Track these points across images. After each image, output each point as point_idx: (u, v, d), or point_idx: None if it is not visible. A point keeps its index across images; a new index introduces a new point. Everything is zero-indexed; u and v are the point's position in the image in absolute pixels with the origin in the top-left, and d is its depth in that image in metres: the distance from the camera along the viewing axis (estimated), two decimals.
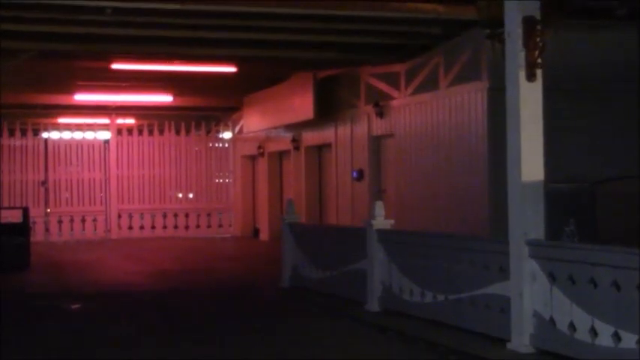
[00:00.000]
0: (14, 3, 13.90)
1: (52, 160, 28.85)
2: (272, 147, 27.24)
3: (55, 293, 15.27)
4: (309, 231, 15.91)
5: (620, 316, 7.76)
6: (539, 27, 9.01)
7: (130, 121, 30.06)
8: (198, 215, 29.90)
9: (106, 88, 25.17)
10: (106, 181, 29.28)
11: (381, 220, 12.22)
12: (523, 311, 8.93)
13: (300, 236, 15.14)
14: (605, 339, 7.94)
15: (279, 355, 9.84)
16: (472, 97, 16.29)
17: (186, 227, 29.71)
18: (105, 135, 29.66)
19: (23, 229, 19.44)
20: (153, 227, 29.43)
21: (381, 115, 19.70)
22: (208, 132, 30.86)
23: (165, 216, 29.54)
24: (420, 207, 17.95)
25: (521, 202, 9.07)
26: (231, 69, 20.99)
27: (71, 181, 29.09)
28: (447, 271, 10.53)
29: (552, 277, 8.66)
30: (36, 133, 29.16)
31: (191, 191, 30.22)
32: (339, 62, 20.41)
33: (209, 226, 29.95)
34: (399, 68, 18.98)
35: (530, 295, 8.90)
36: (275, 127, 25.94)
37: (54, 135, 29.34)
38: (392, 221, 12.36)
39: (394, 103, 19.24)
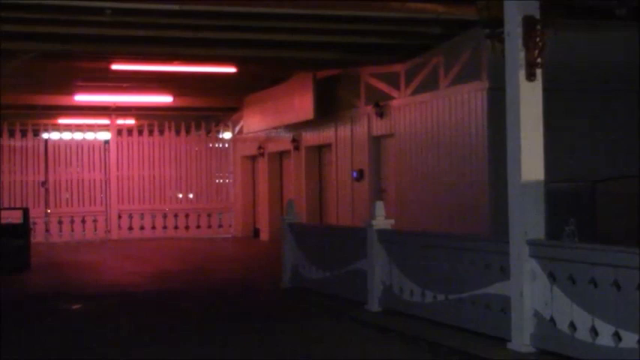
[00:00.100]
0: (14, 4, 13.90)
1: (52, 160, 28.84)
2: (272, 147, 27.23)
3: (56, 294, 15.28)
4: (310, 231, 15.90)
5: (621, 316, 7.75)
6: (538, 27, 9.00)
7: (130, 121, 30.07)
8: (199, 216, 29.90)
9: (106, 88, 25.18)
10: (106, 181, 29.28)
11: (382, 220, 12.21)
12: (523, 311, 8.93)
13: (301, 236, 15.14)
14: (605, 338, 7.94)
15: (280, 356, 9.84)
16: (472, 97, 16.29)
17: (187, 228, 29.70)
18: (105, 135, 29.67)
19: (23, 229, 19.42)
20: (153, 228, 29.43)
21: (381, 115, 19.70)
22: (208, 132, 30.85)
23: (165, 216, 29.54)
24: (421, 207, 17.95)
25: (521, 201, 9.06)
26: (231, 69, 21.00)
27: (71, 181, 29.08)
28: (448, 270, 10.53)
29: (553, 277, 8.66)
30: (36, 133, 29.17)
31: (191, 192, 30.23)
32: (339, 62, 20.41)
33: (209, 227, 29.94)
34: (399, 68, 18.97)
35: (531, 294, 8.90)
36: (275, 128, 25.94)
37: (54, 135, 29.36)
38: (392, 221, 12.36)
39: (394, 103, 19.23)
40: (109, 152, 29.39)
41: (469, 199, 16.29)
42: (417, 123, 18.29)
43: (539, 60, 9.02)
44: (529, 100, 9.11)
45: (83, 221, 28.89)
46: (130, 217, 29.31)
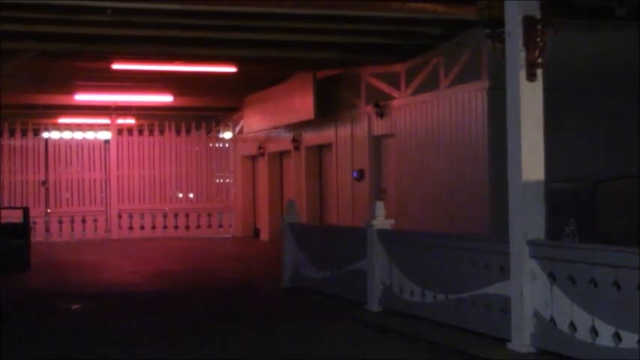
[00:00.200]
0: (14, 3, 13.90)
1: (52, 160, 28.85)
2: (272, 147, 27.23)
3: (56, 293, 15.28)
4: (310, 231, 15.90)
5: (621, 316, 7.75)
6: (539, 27, 9.00)
7: (131, 121, 30.07)
8: (199, 215, 29.90)
9: (107, 88, 25.18)
10: (106, 181, 29.28)
11: (382, 220, 12.21)
12: (523, 311, 8.93)
13: (301, 236, 15.14)
14: (605, 339, 7.93)
15: (280, 356, 9.84)
16: (472, 97, 16.29)
17: (187, 227, 29.71)
18: (105, 135, 29.67)
19: (23, 229, 19.42)
20: (153, 227, 29.43)
21: (381, 115, 19.70)
22: (209, 132, 30.86)
23: (165, 216, 29.55)
24: (421, 207, 17.95)
25: (521, 201, 9.06)
26: (231, 69, 21.00)
27: (71, 181, 29.09)
28: (448, 270, 10.53)
29: (553, 277, 8.66)
30: (36, 133, 29.17)
31: (191, 191, 30.23)
32: (339, 62, 20.41)
33: (209, 227, 29.95)
34: (400, 68, 18.97)
35: (531, 294, 8.90)
36: (275, 128, 25.94)
37: (54, 135, 29.36)
38: (392, 221, 12.36)
39: (394, 103, 19.23)
40: (109, 152, 29.39)
41: (469, 199, 16.29)
42: (417, 123, 18.29)
43: (539, 60, 9.02)
44: (529, 100, 9.10)
45: (83, 221, 28.90)
46: (130, 216, 29.32)
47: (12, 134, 28.62)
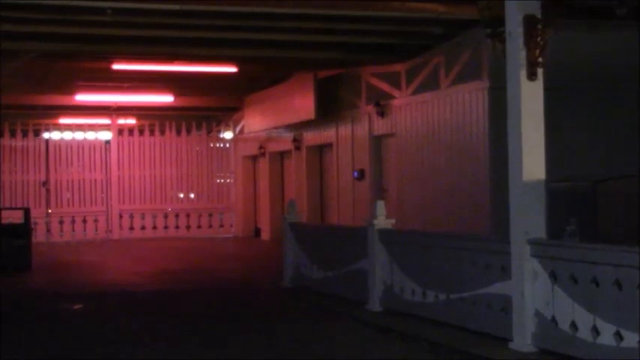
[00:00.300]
0: (15, 4, 13.90)
1: (53, 160, 28.85)
2: (273, 147, 27.24)
3: (57, 294, 15.28)
4: (311, 231, 15.90)
5: (622, 315, 7.75)
6: (540, 26, 9.00)
7: (131, 121, 30.06)
8: (200, 215, 29.90)
9: (107, 88, 25.17)
10: (107, 181, 29.28)
11: (383, 220, 12.21)
12: (525, 310, 8.93)
13: (302, 236, 15.13)
14: (606, 338, 7.93)
15: (280, 355, 9.84)
16: (473, 97, 16.29)
17: (188, 227, 29.71)
18: (106, 135, 29.67)
19: (24, 229, 19.41)
20: (154, 227, 29.44)
21: (382, 114, 19.70)
22: (209, 132, 30.86)
23: (166, 216, 29.55)
24: (421, 206, 17.95)
25: (522, 201, 9.06)
26: (231, 69, 21.00)
27: (72, 181, 29.09)
28: (449, 270, 10.53)
29: (554, 277, 8.66)
30: (37, 133, 29.16)
31: (192, 191, 30.23)
32: (340, 62, 20.41)
33: (210, 227, 29.94)
34: (400, 68, 18.98)
35: (532, 294, 8.89)
36: (276, 127, 25.94)
37: (55, 135, 29.34)
38: (393, 221, 12.35)
39: (395, 102, 19.24)
40: (109, 152, 29.39)
41: (470, 199, 16.29)
42: (417, 122, 18.29)
43: (540, 59, 9.02)
44: (530, 100, 9.10)
45: (84, 221, 28.90)
46: (131, 217, 29.32)
47: (13, 135, 28.62)
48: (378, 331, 11.00)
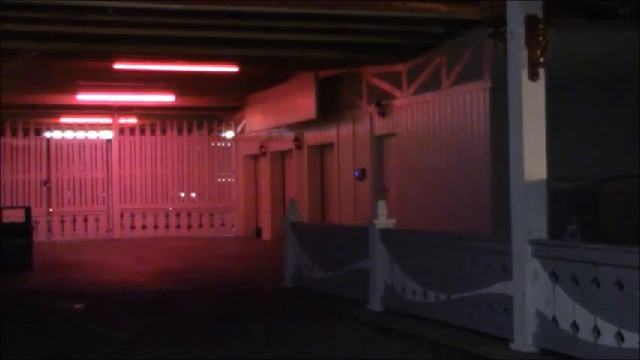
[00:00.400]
0: (16, 3, 13.90)
1: (54, 159, 28.85)
2: (274, 147, 27.23)
3: (58, 293, 15.28)
4: (312, 230, 15.90)
5: (623, 316, 7.75)
6: (541, 26, 9.00)
7: (133, 120, 30.07)
8: (201, 215, 29.90)
9: (109, 87, 25.18)
10: (108, 180, 29.28)
11: (384, 220, 12.21)
12: (526, 310, 8.93)
13: (303, 236, 15.13)
14: (607, 338, 7.93)
15: (281, 355, 9.83)
16: (474, 97, 16.28)
17: (189, 227, 29.71)
18: (107, 135, 29.68)
19: (26, 229, 19.41)
20: (155, 227, 29.44)
21: (383, 114, 19.70)
22: (210, 132, 30.86)
23: (167, 216, 29.56)
24: (423, 206, 17.95)
25: (523, 201, 9.06)
26: (233, 69, 20.99)
27: (73, 180, 29.09)
28: (450, 270, 10.53)
29: (555, 277, 8.65)
30: (38, 132, 29.16)
31: (193, 191, 30.24)
32: (341, 62, 20.41)
33: (211, 226, 29.94)
34: (401, 68, 18.97)
35: (533, 294, 8.89)
36: (277, 127, 25.94)
37: (56, 135, 29.35)
38: (394, 220, 12.35)
39: (396, 102, 19.23)
40: (111, 151, 29.39)
41: (471, 199, 16.29)
42: (419, 122, 18.29)
43: (541, 59, 9.01)
44: (531, 100, 9.10)
45: (85, 220, 28.91)
46: (132, 216, 29.32)
47: (14, 134, 28.63)
48: (378, 331, 11.00)
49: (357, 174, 21.14)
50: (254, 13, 14.92)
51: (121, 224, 29.20)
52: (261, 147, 27.85)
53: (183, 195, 30.10)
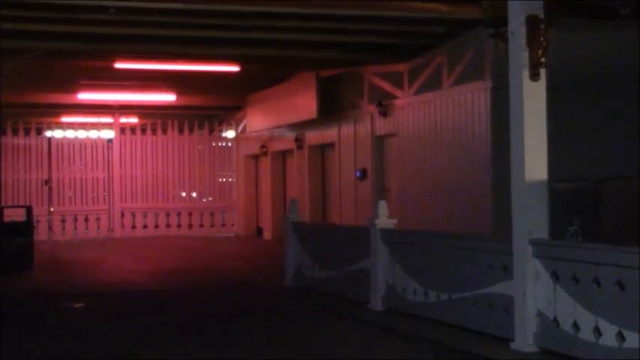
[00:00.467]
0: (16, 2, 13.90)
1: (55, 159, 28.86)
2: (275, 146, 27.24)
3: (59, 292, 15.28)
4: (313, 230, 15.90)
5: (624, 316, 7.74)
6: (542, 26, 8.99)
7: (133, 120, 30.08)
8: (202, 214, 29.91)
9: (110, 87, 25.20)
10: (109, 180, 29.29)
11: (385, 220, 12.20)
12: (527, 311, 8.92)
13: (304, 235, 15.13)
14: (609, 338, 7.92)
15: (281, 355, 9.82)
16: (475, 97, 16.28)
17: (190, 226, 29.72)
18: (108, 134, 29.67)
19: (26, 228, 19.43)
20: (156, 226, 29.46)
21: (384, 114, 19.69)
22: (211, 131, 30.86)
23: (168, 215, 29.57)
24: (424, 206, 17.95)
25: (524, 201, 9.05)
26: (234, 68, 21.01)
27: (74, 180, 29.11)
28: (451, 270, 10.52)
29: (556, 277, 8.65)
30: (39, 132, 29.16)
31: (194, 190, 30.25)
32: (342, 62, 20.41)
33: (212, 225, 29.95)
34: (402, 67, 18.97)
35: (534, 294, 8.89)
36: (278, 127, 25.94)
37: (57, 134, 29.35)
38: (395, 220, 12.35)
39: (397, 102, 19.23)
40: (112, 151, 29.40)
41: (472, 199, 16.28)
42: (420, 122, 18.28)
43: (542, 59, 9.01)
44: (532, 100, 9.09)
45: (86, 220, 28.92)
46: (133, 215, 29.34)
47: (15, 133, 28.65)
48: (379, 331, 11.00)
49: (358, 174, 21.14)
50: (255, 12, 14.92)
51: (122, 223, 29.22)
52: (262, 147, 27.85)
53: (184, 194, 30.10)
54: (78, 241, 27.49)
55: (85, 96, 26.15)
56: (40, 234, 26.73)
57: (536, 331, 8.89)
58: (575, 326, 8.35)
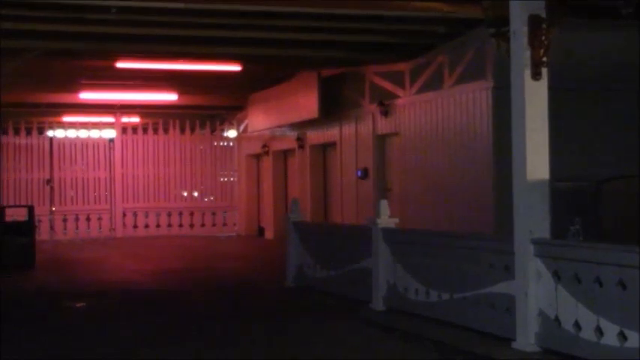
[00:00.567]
0: (17, 2, 13.91)
1: (57, 158, 28.88)
2: (277, 146, 27.24)
3: (60, 292, 15.29)
4: (314, 230, 15.89)
5: (626, 315, 7.73)
6: (544, 25, 8.98)
7: (135, 119, 30.08)
8: (203, 214, 29.92)
9: (111, 86, 25.20)
10: (110, 179, 29.31)
11: (386, 219, 12.19)
12: (528, 310, 8.91)
13: (305, 235, 15.12)
14: (610, 338, 7.91)
15: (283, 355, 9.82)
16: (477, 96, 16.27)
17: (191, 226, 29.74)
18: (110, 133, 29.68)
19: (28, 227, 19.44)
20: (158, 226, 29.47)
21: (385, 113, 19.69)
22: (213, 131, 30.87)
23: (170, 215, 29.58)
24: (425, 205, 17.95)
25: (526, 200, 9.04)
26: (235, 68, 21.01)
27: (76, 179, 29.12)
28: (452, 270, 10.51)
29: (557, 276, 8.64)
30: (41, 131, 29.18)
31: (196, 190, 30.26)
32: (343, 61, 20.41)
33: (214, 225, 29.97)
34: (404, 67, 18.97)
35: (536, 294, 8.88)
36: (280, 126, 25.95)
37: (59, 133, 29.36)
38: (396, 220, 12.34)
39: (399, 101, 19.23)
40: (113, 150, 29.42)
41: (473, 198, 16.28)
42: (421, 122, 18.28)
43: (544, 59, 9.00)
44: (534, 100, 9.08)
45: (88, 219, 28.94)
46: (135, 215, 29.36)
47: (16, 132, 28.67)
48: (381, 331, 11.00)
49: (359, 173, 21.14)
50: (257, 12, 14.92)
51: (124, 223, 29.23)
52: (264, 146, 27.86)
53: (185, 194, 30.11)
54: (79, 241, 27.51)
55: (86, 95, 26.16)
56: (42, 234, 26.73)
57: (538, 331, 8.88)
58: (577, 326, 8.34)
